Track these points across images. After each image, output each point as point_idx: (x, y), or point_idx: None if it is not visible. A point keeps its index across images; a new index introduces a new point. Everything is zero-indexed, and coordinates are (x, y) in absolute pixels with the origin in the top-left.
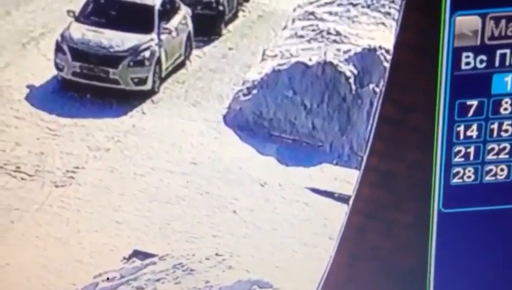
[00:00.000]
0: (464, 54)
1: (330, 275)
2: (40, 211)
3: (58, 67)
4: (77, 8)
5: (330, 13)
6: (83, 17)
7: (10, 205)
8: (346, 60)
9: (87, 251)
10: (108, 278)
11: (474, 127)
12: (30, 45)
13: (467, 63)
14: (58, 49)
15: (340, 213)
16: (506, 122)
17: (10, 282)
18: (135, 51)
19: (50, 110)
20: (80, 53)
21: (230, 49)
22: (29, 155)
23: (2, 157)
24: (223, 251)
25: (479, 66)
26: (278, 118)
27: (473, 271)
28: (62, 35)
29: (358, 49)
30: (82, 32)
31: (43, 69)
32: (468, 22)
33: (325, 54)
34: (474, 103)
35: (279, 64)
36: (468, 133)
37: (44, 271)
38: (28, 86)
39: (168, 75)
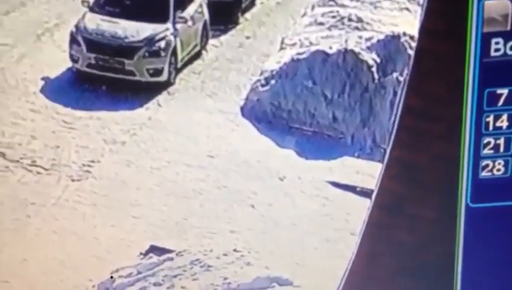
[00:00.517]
0: (494, 40)
1: (352, 271)
2: (57, 205)
3: (73, 59)
4: None
5: None
6: (98, 7)
7: (26, 200)
8: (368, 47)
9: (103, 246)
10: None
11: (505, 117)
12: (45, 36)
13: (497, 50)
14: (73, 40)
15: (362, 208)
16: None
17: (27, 278)
18: (150, 41)
19: (65, 103)
20: (95, 44)
21: (247, 38)
22: (45, 149)
23: (18, 151)
24: (241, 247)
25: (509, 52)
26: (297, 109)
27: (502, 269)
28: (77, 26)
29: (381, 36)
30: (97, 23)
31: (58, 61)
32: (497, 6)
33: (346, 41)
34: (505, 91)
35: (298, 53)
36: (498, 124)
37: (61, 266)
38: (43, 78)
39: (184, 65)
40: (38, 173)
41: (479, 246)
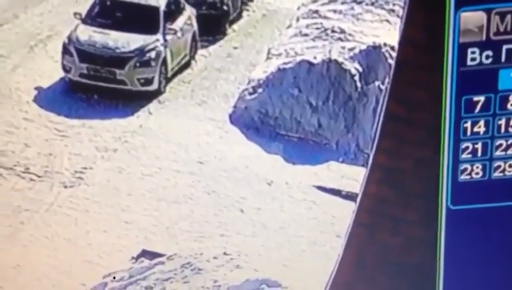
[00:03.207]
0: (470, 50)
1: (338, 273)
2: (50, 211)
3: (66, 69)
4: (83, 10)
5: (334, 11)
6: (90, 19)
7: (20, 206)
8: (351, 57)
9: (96, 251)
10: (114, 278)
11: (482, 123)
12: (38, 48)
13: (473, 59)
14: (65, 51)
15: (347, 211)
16: None
17: (21, 283)
18: (141, 51)
19: (58, 111)
20: (87, 55)
21: (235, 48)
22: (38, 156)
23: (11, 158)
24: (230, 250)
25: (485, 61)
26: (283, 117)
27: (482, 268)
28: (69, 38)
29: (363, 47)
30: (89, 34)
31: (50, 71)
32: (473, 18)
33: (329, 51)
34: (481, 98)
35: (284, 63)
36: (476, 129)
37: (54, 271)
38: (36, 88)
39: (174, 75)
40: (32, 180)
41: (460, 246)
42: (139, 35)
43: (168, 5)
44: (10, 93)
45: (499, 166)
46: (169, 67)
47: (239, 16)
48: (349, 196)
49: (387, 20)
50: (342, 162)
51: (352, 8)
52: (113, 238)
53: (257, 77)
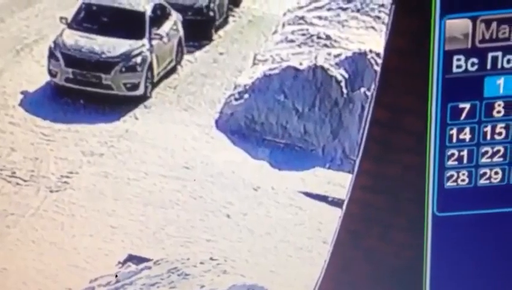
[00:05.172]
0: (455, 57)
1: (325, 279)
2: (36, 216)
3: (52, 74)
4: (70, 15)
5: (320, 18)
6: (76, 23)
7: (6, 210)
8: (337, 64)
9: (82, 256)
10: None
11: (467, 130)
12: (24, 52)
13: (458, 66)
14: (52, 55)
15: (334, 217)
16: (499, 125)
17: (6, 287)
18: (127, 56)
19: (44, 115)
20: (73, 59)
21: (221, 54)
22: (24, 160)
23: None
24: (217, 255)
25: (470, 69)
26: (269, 122)
27: (468, 275)
28: (55, 42)
29: (349, 53)
30: (75, 39)
31: (37, 75)
32: (458, 25)
33: (315, 58)
34: (467, 105)
35: (270, 69)
36: (461, 136)
37: (40, 276)
38: (22, 92)
39: (160, 80)
40: (18, 184)
41: (446, 253)
42: (125, 40)
43: (154, 11)
44: None
45: (485, 173)
46: (155, 72)
47: (225, 22)
48: (336, 202)
49: (373, 27)
50: (328, 168)
51: (338, 15)
52: (99, 243)
53: (243, 82)
